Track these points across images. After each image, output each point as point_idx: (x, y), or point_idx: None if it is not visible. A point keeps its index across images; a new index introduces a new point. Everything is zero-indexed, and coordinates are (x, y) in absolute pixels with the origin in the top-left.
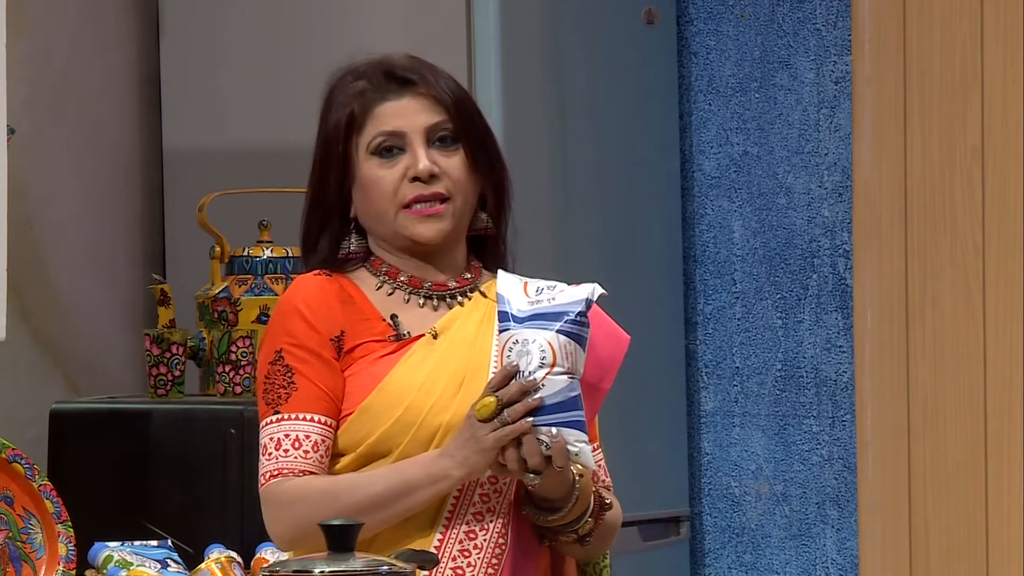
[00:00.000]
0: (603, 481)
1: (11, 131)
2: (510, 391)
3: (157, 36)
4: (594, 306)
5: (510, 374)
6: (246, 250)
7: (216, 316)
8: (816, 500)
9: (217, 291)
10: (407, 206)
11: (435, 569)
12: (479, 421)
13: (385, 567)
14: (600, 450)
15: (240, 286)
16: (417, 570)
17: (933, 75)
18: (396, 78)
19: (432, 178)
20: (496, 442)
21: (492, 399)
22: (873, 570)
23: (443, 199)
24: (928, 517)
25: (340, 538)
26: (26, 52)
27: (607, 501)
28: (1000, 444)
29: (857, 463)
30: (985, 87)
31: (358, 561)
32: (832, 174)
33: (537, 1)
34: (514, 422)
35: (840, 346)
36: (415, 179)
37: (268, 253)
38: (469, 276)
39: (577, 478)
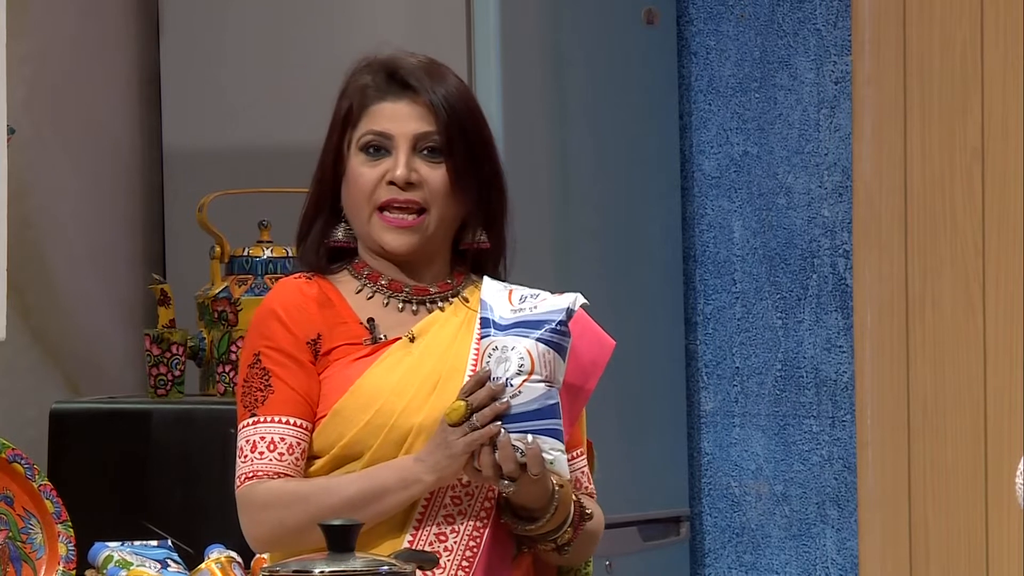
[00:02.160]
0: (586, 488)
1: (11, 131)
2: (480, 396)
3: (157, 36)
4: (579, 311)
5: (482, 379)
6: (246, 250)
7: (216, 316)
8: (816, 500)
9: (217, 291)
10: (381, 209)
11: None
12: (450, 426)
13: (385, 567)
14: (584, 456)
15: (240, 286)
16: (417, 570)
17: (933, 75)
18: (398, 80)
19: (409, 186)
20: (466, 447)
21: (462, 403)
22: (873, 570)
23: (419, 210)
24: (928, 517)
25: (340, 538)
26: (26, 52)
27: (588, 511)
28: (1000, 444)
29: (857, 463)
30: (985, 87)
31: (358, 561)
32: (832, 174)
33: (537, 1)
34: (483, 426)
35: (840, 346)
36: (392, 183)
37: (268, 253)
38: (451, 282)
39: (557, 488)
